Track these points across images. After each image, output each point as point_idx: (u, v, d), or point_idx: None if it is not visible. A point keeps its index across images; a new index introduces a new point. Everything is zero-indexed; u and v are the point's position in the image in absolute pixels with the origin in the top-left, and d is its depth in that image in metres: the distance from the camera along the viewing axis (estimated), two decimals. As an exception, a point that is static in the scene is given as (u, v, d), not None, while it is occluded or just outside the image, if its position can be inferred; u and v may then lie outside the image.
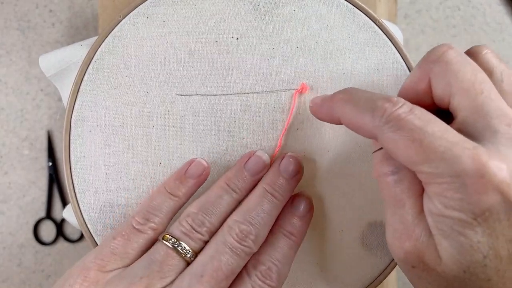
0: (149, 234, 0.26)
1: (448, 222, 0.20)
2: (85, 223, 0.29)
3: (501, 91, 0.21)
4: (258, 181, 0.27)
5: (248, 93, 0.29)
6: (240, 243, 0.25)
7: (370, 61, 0.29)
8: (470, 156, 0.19)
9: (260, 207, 0.26)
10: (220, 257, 0.24)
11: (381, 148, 0.23)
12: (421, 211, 0.21)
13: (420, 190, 0.21)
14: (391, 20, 0.43)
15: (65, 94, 0.30)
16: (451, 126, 0.20)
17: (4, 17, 0.45)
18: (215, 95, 0.29)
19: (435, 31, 0.48)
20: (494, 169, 0.18)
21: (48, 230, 0.45)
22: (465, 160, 0.19)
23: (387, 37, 0.29)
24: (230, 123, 0.29)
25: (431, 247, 0.21)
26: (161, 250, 0.25)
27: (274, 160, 0.29)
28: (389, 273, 0.30)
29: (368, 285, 0.30)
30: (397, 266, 0.30)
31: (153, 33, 0.29)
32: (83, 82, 0.29)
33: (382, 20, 0.29)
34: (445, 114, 0.22)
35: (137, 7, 0.29)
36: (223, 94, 0.29)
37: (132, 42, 0.29)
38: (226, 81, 0.29)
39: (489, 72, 0.22)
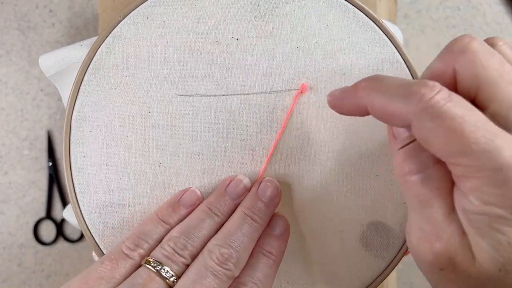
0: (137, 260, 0.26)
1: (485, 219, 0.19)
2: (85, 223, 0.29)
3: None
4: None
5: (248, 94, 0.29)
6: (221, 266, 0.24)
7: (370, 61, 0.29)
8: (511, 148, 0.18)
9: (240, 231, 0.26)
10: (202, 280, 0.24)
11: (404, 146, 0.21)
12: (451, 210, 0.20)
13: (449, 188, 0.20)
14: (391, 20, 0.43)
15: (65, 94, 0.30)
16: None
17: (4, 17, 0.45)
18: (215, 95, 0.29)
19: (435, 31, 0.48)
20: None
21: (48, 230, 0.45)
22: (507, 153, 0.18)
23: (387, 37, 0.29)
24: (230, 123, 0.29)
25: (465, 247, 0.20)
26: (143, 273, 0.24)
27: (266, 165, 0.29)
28: (389, 273, 0.30)
29: (368, 285, 0.30)
30: (397, 266, 0.30)
31: (153, 33, 0.29)
32: (83, 82, 0.29)
33: (382, 20, 0.29)
34: None
35: (137, 7, 0.29)
36: (223, 95, 0.29)
37: (132, 42, 0.29)
38: (226, 82, 0.29)
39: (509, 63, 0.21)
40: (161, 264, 0.25)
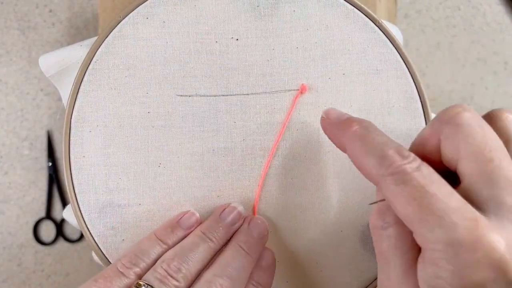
0: (132, 279, 0.25)
1: None
2: (85, 223, 0.29)
3: None
4: (234, 232, 0.28)
5: (248, 94, 0.29)
6: None
7: (370, 62, 0.29)
8: (467, 226, 0.18)
9: (236, 263, 0.26)
10: None
11: (374, 202, 0.22)
12: (407, 271, 0.20)
13: (409, 249, 0.20)
14: (391, 20, 0.43)
15: (65, 94, 0.30)
16: (456, 191, 0.19)
17: (4, 17, 0.45)
18: (215, 95, 0.29)
19: (435, 31, 0.48)
20: (491, 243, 0.17)
21: (48, 230, 0.45)
22: (461, 230, 0.18)
23: (387, 37, 0.29)
24: (230, 124, 0.29)
25: None
26: None
27: (267, 165, 0.29)
28: (389, 273, 0.30)
29: (368, 285, 0.30)
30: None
31: (153, 34, 0.29)
32: (83, 83, 0.29)
33: (382, 20, 0.29)
34: (454, 177, 0.21)
35: (137, 7, 0.29)
36: (223, 95, 0.29)
37: (132, 43, 0.29)
38: (226, 82, 0.29)
39: (505, 137, 0.21)
40: (152, 287, 0.24)
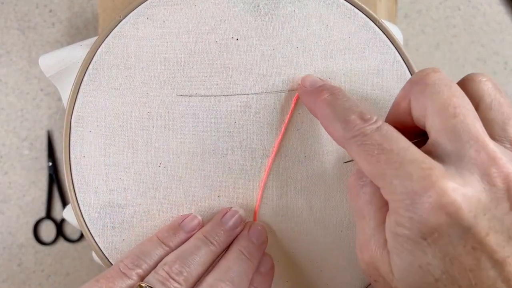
0: (134, 280, 0.25)
1: (399, 240, 0.20)
2: (85, 223, 0.29)
3: (485, 118, 0.21)
4: (235, 236, 0.28)
5: (248, 94, 0.29)
6: None
7: (370, 62, 0.29)
8: (421, 174, 0.19)
9: (238, 268, 0.26)
10: None
11: (347, 161, 0.25)
12: (379, 224, 0.21)
13: (381, 205, 0.22)
14: (391, 20, 0.43)
15: (65, 94, 0.30)
16: (424, 147, 0.21)
17: (4, 17, 0.45)
18: (215, 95, 0.29)
19: (435, 31, 0.48)
20: (443, 189, 0.18)
21: (48, 230, 0.45)
22: (416, 178, 0.19)
23: (387, 37, 0.29)
24: (230, 124, 0.29)
25: (385, 262, 0.21)
26: None
27: (269, 165, 0.28)
28: (389, 273, 0.30)
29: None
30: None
31: (153, 34, 0.29)
32: (83, 82, 0.29)
33: (382, 20, 0.29)
34: (426, 136, 0.22)
35: (137, 7, 0.29)
36: (223, 95, 0.29)
37: (132, 43, 0.29)
38: (226, 82, 0.29)
39: (477, 98, 0.22)
40: None
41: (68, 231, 0.46)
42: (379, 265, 0.21)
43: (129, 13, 0.29)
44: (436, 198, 0.18)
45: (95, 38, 0.29)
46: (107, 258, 0.29)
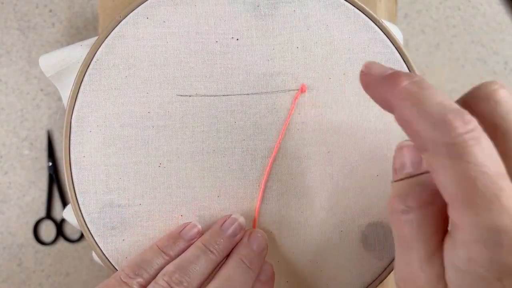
0: None
1: (468, 278, 0.18)
2: (85, 223, 0.29)
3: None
4: (235, 244, 0.28)
5: (248, 94, 0.29)
6: None
7: (370, 62, 0.29)
8: None
9: (238, 276, 0.26)
10: None
11: (400, 179, 0.20)
12: (430, 257, 0.19)
13: (432, 235, 0.19)
14: (391, 20, 0.43)
15: (65, 94, 0.30)
16: None
17: (4, 17, 0.45)
18: (215, 95, 0.29)
19: (435, 31, 0.48)
20: None
21: (48, 230, 0.45)
22: (507, 217, 0.16)
23: (387, 37, 0.29)
24: (230, 124, 0.29)
25: None
26: None
27: (269, 168, 0.28)
28: (389, 273, 0.30)
29: (368, 285, 0.30)
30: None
31: (153, 34, 0.29)
32: (83, 83, 0.29)
33: (382, 20, 0.29)
34: None
35: (137, 7, 0.29)
36: (223, 95, 0.29)
37: (132, 43, 0.29)
38: (226, 82, 0.29)
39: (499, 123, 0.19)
40: None
41: (68, 231, 0.46)
42: None
43: (129, 13, 0.29)
44: None
45: (95, 38, 0.29)
46: (107, 258, 0.29)
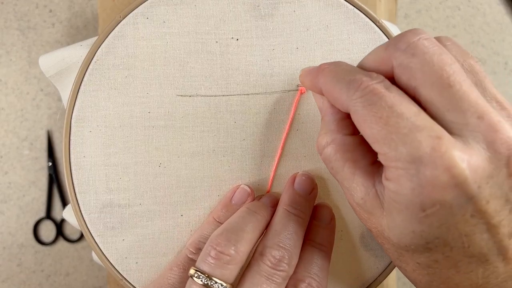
0: None
1: (396, 206, 0.19)
2: (85, 223, 0.29)
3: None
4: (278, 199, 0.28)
5: (248, 94, 0.29)
6: (275, 269, 0.24)
7: (370, 62, 0.29)
8: (430, 143, 0.18)
9: (287, 229, 0.25)
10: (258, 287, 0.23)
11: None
12: (350, 184, 0.22)
13: (346, 158, 0.22)
14: (391, 20, 0.43)
15: (65, 94, 0.30)
16: None
17: (4, 17, 0.45)
18: (215, 95, 0.29)
19: (435, 31, 0.48)
20: (452, 160, 0.17)
21: (48, 230, 0.45)
22: (424, 147, 0.18)
23: (387, 37, 0.29)
24: (230, 124, 0.29)
25: (373, 215, 0.21)
26: None
27: (275, 169, 0.28)
28: (389, 273, 0.30)
29: (368, 285, 0.30)
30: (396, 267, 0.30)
31: (153, 34, 0.29)
32: (83, 83, 0.29)
33: (382, 20, 0.29)
34: None
35: (137, 7, 0.29)
36: (223, 95, 0.29)
37: (132, 43, 0.29)
38: (226, 82, 0.29)
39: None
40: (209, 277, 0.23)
41: (68, 231, 0.46)
42: (367, 219, 0.22)
43: (129, 13, 0.29)
44: (444, 170, 0.17)
45: (95, 38, 0.29)
46: (107, 258, 0.29)
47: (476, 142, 0.18)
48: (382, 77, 0.20)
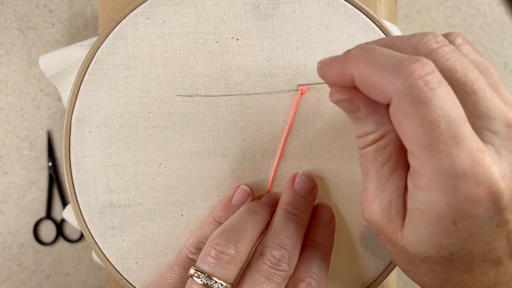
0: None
1: (424, 219, 0.18)
2: (85, 223, 0.29)
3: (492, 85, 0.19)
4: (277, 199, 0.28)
5: (248, 94, 0.29)
6: (275, 269, 0.24)
7: (370, 62, 0.29)
8: (474, 157, 0.17)
9: (287, 229, 0.25)
10: (258, 287, 0.23)
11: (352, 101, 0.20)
12: (384, 183, 0.20)
13: (383, 163, 0.20)
14: (391, 20, 0.43)
15: (65, 94, 0.30)
16: None
17: (4, 17, 0.45)
18: (215, 96, 0.29)
19: (435, 31, 0.48)
20: (494, 178, 0.17)
21: (48, 230, 0.45)
22: (468, 161, 0.17)
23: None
24: (230, 124, 0.29)
25: (393, 223, 0.20)
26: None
27: (276, 167, 0.28)
28: (389, 273, 0.30)
29: (368, 285, 0.30)
30: (397, 267, 0.30)
31: (153, 34, 0.29)
32: (83, 83, 0.29)
33: (382, 20, 0.29)
34: None
35: (137, 7, 0.29)
36: (223, 95, 0.29)
37: (132, 43, 0.29)
38: (226, 82, 0.29)
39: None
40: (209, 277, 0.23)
41: (68, 231, 0.46)
42: (384, 225, 0.20)
43: (129, 13, 0.29)
44: (485, 188, 0.17)
45: (95, 38, 0.29)
46: (107, 258, 0.29)
47: (508, 151, 0.18)
48: (433, 65, 0.17)
